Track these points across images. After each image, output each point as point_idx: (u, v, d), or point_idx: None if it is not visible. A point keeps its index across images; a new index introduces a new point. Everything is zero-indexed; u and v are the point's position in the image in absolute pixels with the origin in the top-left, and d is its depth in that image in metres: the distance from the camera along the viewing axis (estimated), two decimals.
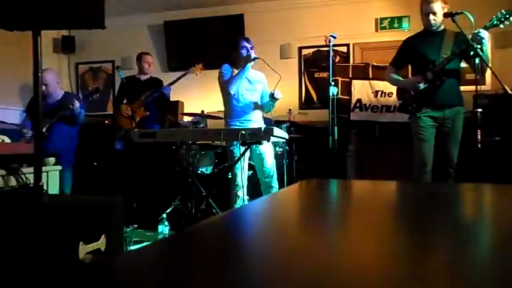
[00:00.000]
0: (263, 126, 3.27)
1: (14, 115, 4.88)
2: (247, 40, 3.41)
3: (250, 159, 3.44)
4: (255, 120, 3.40)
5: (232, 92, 3.28)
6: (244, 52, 3.31)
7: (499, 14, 2.84)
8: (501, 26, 2.84)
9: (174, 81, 4.28)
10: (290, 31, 5.28)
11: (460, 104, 3.06)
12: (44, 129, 3.56)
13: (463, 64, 3.17)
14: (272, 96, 3.31)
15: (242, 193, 3.19)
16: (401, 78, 3.23)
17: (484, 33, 2.77)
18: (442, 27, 3.05)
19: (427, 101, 3.02)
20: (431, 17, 2.98)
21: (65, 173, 3.26)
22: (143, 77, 4.40)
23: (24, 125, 3.85)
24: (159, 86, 4.33)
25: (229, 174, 3.36)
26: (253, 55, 3.29)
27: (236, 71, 3.34)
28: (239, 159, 3.04)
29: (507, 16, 2.80)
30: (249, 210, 0.94)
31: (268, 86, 3.56)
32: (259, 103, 3.47)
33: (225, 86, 3.32)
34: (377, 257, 0.50)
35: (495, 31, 3.16)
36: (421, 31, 3.16)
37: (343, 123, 4.10)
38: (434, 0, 2.95)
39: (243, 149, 3.12)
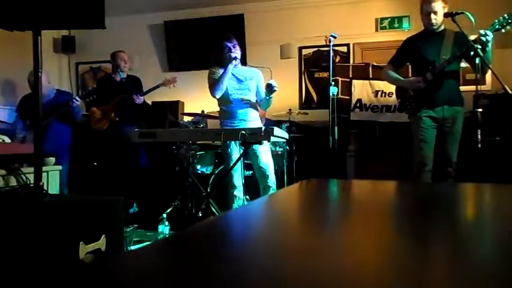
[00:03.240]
0: (260, 125, 3.24)
1: None
2: (229, 39, 3.28)
3: (246, 158, 3.37)
4: (250, 119, 3.26)
5: (217, 97, 3.21)
6: (226, 52, 3.22)
7: (501, 18, 2.83)
8: (503, 30, 2.84)
9: (147, 92, 4.21)
10: (290, 31, 5.27)
11: (460, 104, 3.06)
12: None
13: (464, 64, 3.17)
14: (269, 87, 3.12)
15: (239, 193, 3.14)
16: (400, 77, 3.23)
17: (490, 35, 2.77)
18: (443, 27, 3.05)
19: (426, 101, 3.02)
20: (432, 16, 2.97)
21: (62, 172, 3.25)
22: (120, 76, 4.26)
23: (17, 125, 3.83)
24: (138, 85, 4.27)
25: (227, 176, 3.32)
26: (233, 55, 3.17)
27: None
28: (236, 162, 3.00)
29: (509, 21, 2.79)
30: (248, 210, 0.94)
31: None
32: (254, 101, 3.31)
33: (210, 90, 3.25)
34: (377, 258, 0.50)
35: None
36: (422, 31, 3.15)
37: (343, 123, 4.10)
38: (435, 0, 2.94)
39: (239, 150, 3.07)
